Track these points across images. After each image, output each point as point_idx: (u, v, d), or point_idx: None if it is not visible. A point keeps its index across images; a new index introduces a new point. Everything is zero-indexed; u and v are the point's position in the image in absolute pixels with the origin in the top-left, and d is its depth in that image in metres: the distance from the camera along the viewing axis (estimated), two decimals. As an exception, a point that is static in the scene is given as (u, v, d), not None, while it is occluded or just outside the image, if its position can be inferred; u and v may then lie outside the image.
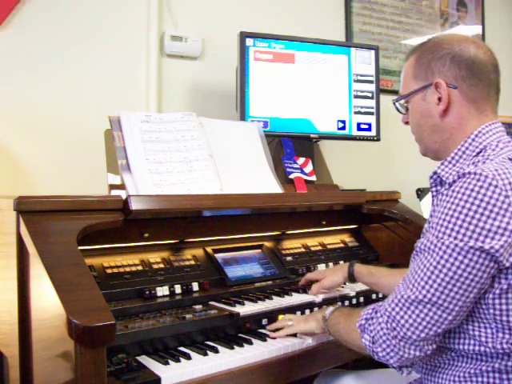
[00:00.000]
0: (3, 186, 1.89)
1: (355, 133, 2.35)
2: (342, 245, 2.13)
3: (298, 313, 1.65)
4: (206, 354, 1.32)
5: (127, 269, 1.52)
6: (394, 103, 1.37)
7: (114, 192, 1.58)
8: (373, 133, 2.38)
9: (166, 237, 1.65)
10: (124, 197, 1.46)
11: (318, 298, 1.68)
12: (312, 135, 2.25)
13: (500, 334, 1.09)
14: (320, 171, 2.26)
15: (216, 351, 1.35)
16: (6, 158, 1.92)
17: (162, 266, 1.59)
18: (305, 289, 1.74)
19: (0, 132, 1.90)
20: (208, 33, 2.38)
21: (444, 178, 1.21)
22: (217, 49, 2.40)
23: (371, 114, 2.37)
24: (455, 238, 1.05)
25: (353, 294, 1.79)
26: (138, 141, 1.66)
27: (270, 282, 1.76)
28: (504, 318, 1.09)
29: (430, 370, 1.23)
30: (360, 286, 1.81)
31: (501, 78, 1.29)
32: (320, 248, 2.04)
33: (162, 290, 1.52)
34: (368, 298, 1.85)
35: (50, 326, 1.15)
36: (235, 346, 1.39)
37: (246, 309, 1.52)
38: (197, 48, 2.32)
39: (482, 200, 1.03)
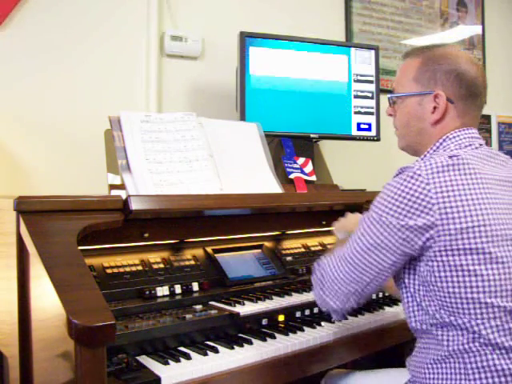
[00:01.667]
0: (3, 186, 1.89)
1: (355, 133, 2.35)
2: (341, 245, 2.13)
3: (298, 313, 1.65)
4: (206, 354, 1.32)
5: (127, 269, 1.52)
6: (389, 98, 1.42)
7: (114, 192, 1.58)
8: (373, 133, 2.38)
9: (166, 237, 1.65)
10: (124, 197, 1.46)
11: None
12: (312, 135, 2.25)
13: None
14: (320, 171, 2.26)
15: (216, 351, 1.35)
16: (6, 158, 1.92)
17: (161, 266, 1.59)
18: (305, 288, 1.74)
19: (0, 132, 1.90)
20: (208, 33, 2.38)
21: None
22: (217, 49, 2.40)
23: (371, 114, 2.38)
24: (378, 214, 1.20)
25: None
26: (138, 141, 1.66)
27: (270, 282, 1.76)
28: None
29: (413, 364, 1.27)
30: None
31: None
32: (320, 248, 2.04)
33: (162, 290, 1.52)
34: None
35: (50, 326, 1.15)
36: (235, 346, 1.39)
37: (246, 309, 1.52)
38: (197, 48, 2.32)
39: (406, 186, 1.17)
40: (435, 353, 1.20)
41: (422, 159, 1.31)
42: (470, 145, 1.27)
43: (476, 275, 1.13)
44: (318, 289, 1.32)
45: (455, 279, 1.14)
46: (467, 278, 1.13)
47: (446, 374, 1.17)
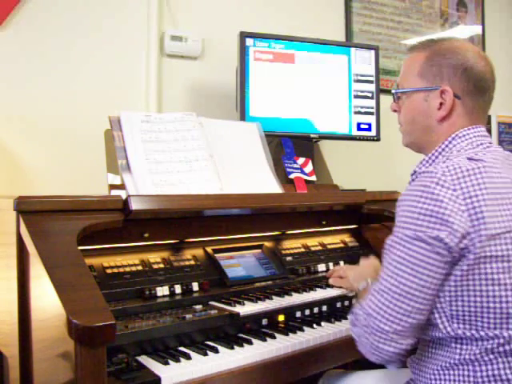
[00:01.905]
0: (3, 186, 1.89)
1: (355, 133, 2.35)
2: (342, 245, 2.13)
3: (298, 313, 1.65)
4: (206, 354, 1.32)
5: (127, 269, 1.52)
6: (393, 93, 1.38)
7: (114, 192, 1.58)
8: (373, 133, 2.38)
9: (166, 237, 1.65)
10: (124, 197, 1.46)
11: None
12: (312, 135, 2.25)
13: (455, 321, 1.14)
14: (320, 171, 2.26)
15: (216, 351, 1.35)
16: (6, 158, 1.92)
17: (161, 266, 1.59)
18: (305, 288, 1.74)
19: (0, 132, 1.90)
20: (208, 33, 2.38)
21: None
22: (217, 49, 2.40)
23: (371, 113, 2.37)
24: (415, 230, 1.10)
25: (351, 294, 1.80)
26: (138, 141, 1.66)
27: (270, 282, 1.76)
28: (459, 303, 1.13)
29: (417, 367, 1.25)
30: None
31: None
32: (320, 248, 2.04)
33: (162, 290, 1.52)
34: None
35: (50, 326, 1.15)
36: (235, 346, 1.39)
37: (246, 309, 1.52)
38: (197, 48, 2.32)
39: (432, 193, 1.10)
40: (444, 360, 1.17)
41: (431, 159, 1.27)
42: (481, 144, 1.24)
43: (499, 284, 1.09)
44: (367, 337, 1.15)
45: (477, 288, 1.10)
46: (490, 288, 1.09)
47: (454, 381, 1.15)
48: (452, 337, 1.15)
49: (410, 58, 1.34)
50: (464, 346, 1.15)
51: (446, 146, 1.26)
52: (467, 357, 1.14)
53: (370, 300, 1.16)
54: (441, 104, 1.26)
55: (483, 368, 1.12)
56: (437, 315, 1.15)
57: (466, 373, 1.14)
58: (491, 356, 1.12)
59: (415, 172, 1.28)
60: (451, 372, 1.16)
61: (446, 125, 1.27)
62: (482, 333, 1.12)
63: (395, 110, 1.39)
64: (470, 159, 1.17)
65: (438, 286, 1.12)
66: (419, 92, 1.29)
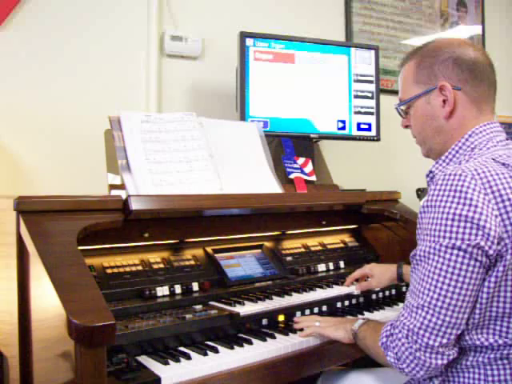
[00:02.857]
0: (3, 186, 1.89)
1: (355, 133, 2.35)
2: (342, 245, 2.13)
3: (298, 313, 1.65)
4: (205, 354, 1.32)
5: (127, 269, 1.52)
6: (397, 108, 1.38)
7: (114, 192, 1.58)
8: (373, 133, 2.38)
9: (166, 237, 1.65)
10: (124, 197, 1.46)
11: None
12: (312, 135, 2.25)
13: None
14: (320, 171, 2.25)
15: (216, 351, 1.35)
16: (6, 158, 1.92)
17: (161, 266, 1.59)
18: (305, 289, 1.75)
19: (0, 132, 1.90)
20: (208, 33, 2.38)
21: (437, 176, 1.22)
22: (217, 49, 2.40)
23: (371, 114, 2.37)
24: (450, 238, 1.07)
25: (357, 292, 1.81)
26: (138, 141, 1.66)
27: (270, 282, 1.76)
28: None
29: None
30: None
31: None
32: (320, 248, 2.04)
33: (162, 290, 1.52)
34: (368, 297, 1.86)
35: (49, 326, 1.15)
36: (235, 346, 1.39)
37: (246, 309, 1.52)
38: (197, 48, 2.32)
39: (465, 198, 1.07)
40: (455, 362, 1.16)
41: (448, 158, 1.25)
42: (500, 141, 1.22)
43: None
44: (412, 354, 1.11)
45: (508, 294, 1.09)
46: None
47: (464, 383, 1.15)
48: (470, 345, 1.14)
49: (403, 71, 1.35)
50: (478, 353, 1.14)
51: (463, 143, 1.24)
52: (480, 359, 1.13)
53: (409, 317, 1.12)
54: (444, 101, 1.26)
55: (495, 372, 1.12)
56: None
57: (476, 376, 1.13)
58: (505, 361, 1.12)
59: (431, 172, 1.27)
60: (461, 374, 1.15)
61: (454, 120, 1.26)
62: (501, 341, 1.11)
63: (406, 126, 1.38)
64: (496, 161, 1.15)
65: (477, 292, 1.09)
66: (420, 98, 1.30)
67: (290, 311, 1.62)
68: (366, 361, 1.43)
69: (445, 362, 1.11)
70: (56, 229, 1.30)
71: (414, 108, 1.32)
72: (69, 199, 1.37)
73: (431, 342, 1.09)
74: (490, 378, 1.12)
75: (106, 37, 2.14)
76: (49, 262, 1.15)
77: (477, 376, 1.13)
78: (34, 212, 1.29)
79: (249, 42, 2.11)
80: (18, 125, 1.95)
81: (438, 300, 1.08)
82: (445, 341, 1.09)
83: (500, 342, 1.11)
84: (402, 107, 1.36)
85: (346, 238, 2.18)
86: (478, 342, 1.13)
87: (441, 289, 1.08)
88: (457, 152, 1.25)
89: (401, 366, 1.14)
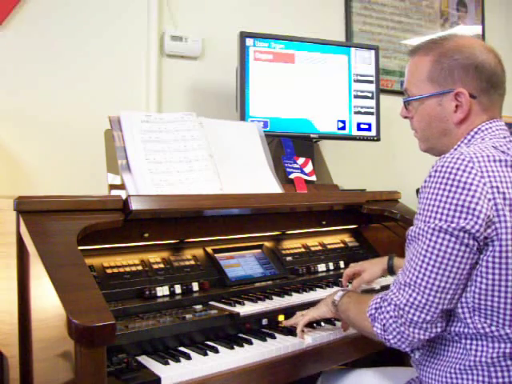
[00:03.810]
0: (3, 186, 1.89)
1: (355, 133, 2.35)
2: (342, 245, 2.13)
3: (298, 313, 1.64)
4: (206, 354, 1.32)
5: (127, 269, 1.52)
6: (405, 101, 1.34)
7: (114, 192, 1.58)
8: (373, 133, 2.38)
9: (166, 237, 1.65)
10: (124, 197, 1.46)
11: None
12: (312, 135, 2.25)
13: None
14: (320, 171, 2.25)
15: (216, 351, 1.35)
16: (6, 157, 1.92)
17: (162, 266, 1.59)
18: (305, 288, 1.75)
19: (0, 132, 1.90)
20: (208, 33, 2.38)
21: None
22: (217, 49, 2.40)
23: (371, 114, 2.37)
24: (440, 220, 1.09)
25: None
26: (138, 141, 1.66)
27: (270, 282, 1.76)
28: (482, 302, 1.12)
29: (426, 367, 1.24)
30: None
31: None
32: (320, 248, 2.04)
33: (162, 290, 1.52)
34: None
35: (49, 326, 1.15)
36: (235, 346, 1.39)
37: (246, 309, 1.51)
38: (197, 48, 2.32)
39: (459, 181, 1.08)
40: (459, 362, 1.16)
41: (456, 149, 1.23)
42: (505, 137, 1.22)
43: None
44: (397, 327, 1.15)
45: (503, 283, 1.09)
46: None
47: None
48: (471, 333, 1.14)
49: (414, 62, 1.30)
50: (480, 348, 1.14)
51: (469, 140, 1.24)
52: (483, 359, 1.13)
53: (397, 293, 1.16)
54: (457, 106, 1.23)
55: (499, 374, 1.11)
56: (459, 305, 1.14)
57: (480, 378, 1.13)
58: (508, 362, 1.11)
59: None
60: (464, 376, 1.14)
61: (464, 126, 1.25)
62: (502, 331, 1.11)
63: (406, 117, 1.35)
64: (496, 148, 1.14)
65: (467, 275, 1.11)
66: (432, 97, 1.26)
67: (290, 311, 1.62)
68: (365, 361, 1.43)
69: (427, 336, 1.14)
70: (56, 229, 1.30)
71: (422, 105, 1.28)
72: (69, 199, 1.37)
73: (415, 318, 1.13)
74: (494, 381, 1.11)
75: (106, 37, 2.14)
76: (49, 262, 1.15)
77: (480, 378, 1.13)
78: (34, 212, 1.29)
79: (249, 41, 2.11)
80: (17, 125, 1.95)
81: (422, 280, 1.12)
82: (428, 318, 1.12)
83: (501, 332, 1.11)
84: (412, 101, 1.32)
85: (346, 237, 2.18)
86: (479, 326, 1.13)
87: (425, 269, 1.11)
88: (468, 145, 1.23)
89: (387, 337, 1.18)
